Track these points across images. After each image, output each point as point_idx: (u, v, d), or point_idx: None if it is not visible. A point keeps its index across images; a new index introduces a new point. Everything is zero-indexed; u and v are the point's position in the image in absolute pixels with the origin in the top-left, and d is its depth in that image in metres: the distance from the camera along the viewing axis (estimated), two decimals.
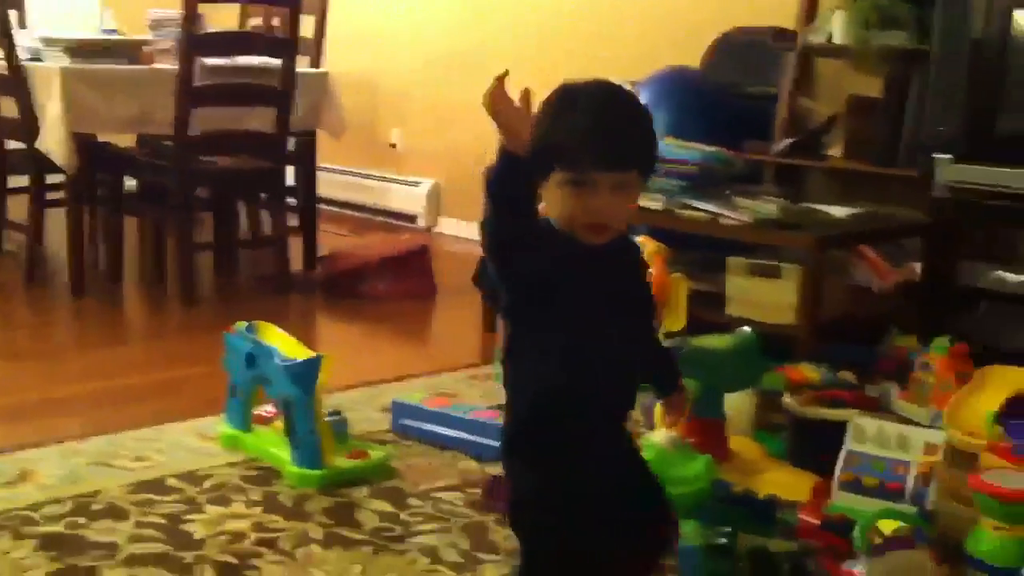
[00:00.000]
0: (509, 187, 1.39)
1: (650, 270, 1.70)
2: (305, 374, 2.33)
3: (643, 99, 3.69)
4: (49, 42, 3.92)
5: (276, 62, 3.98)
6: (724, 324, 2.90)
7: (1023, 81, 3.02)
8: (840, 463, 2.19)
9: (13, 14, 4.11)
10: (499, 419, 2.47)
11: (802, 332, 2.94)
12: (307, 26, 4.43)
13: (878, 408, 2.62)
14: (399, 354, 3.57)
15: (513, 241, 1.43)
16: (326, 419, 2.41)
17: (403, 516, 2.20)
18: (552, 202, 1.46)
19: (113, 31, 4.42)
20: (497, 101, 1.37)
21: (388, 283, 4.11)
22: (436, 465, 2.47)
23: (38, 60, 3.93)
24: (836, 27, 3.67)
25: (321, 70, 4.46)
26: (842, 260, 3.37)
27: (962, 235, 3.19)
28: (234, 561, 1.99)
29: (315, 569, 1.97)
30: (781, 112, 3.84)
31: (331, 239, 4.78)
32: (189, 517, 2.16)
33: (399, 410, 2.68)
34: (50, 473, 2.36)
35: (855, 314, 3.21)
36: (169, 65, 3.92)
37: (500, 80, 1.37)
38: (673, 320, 2.50)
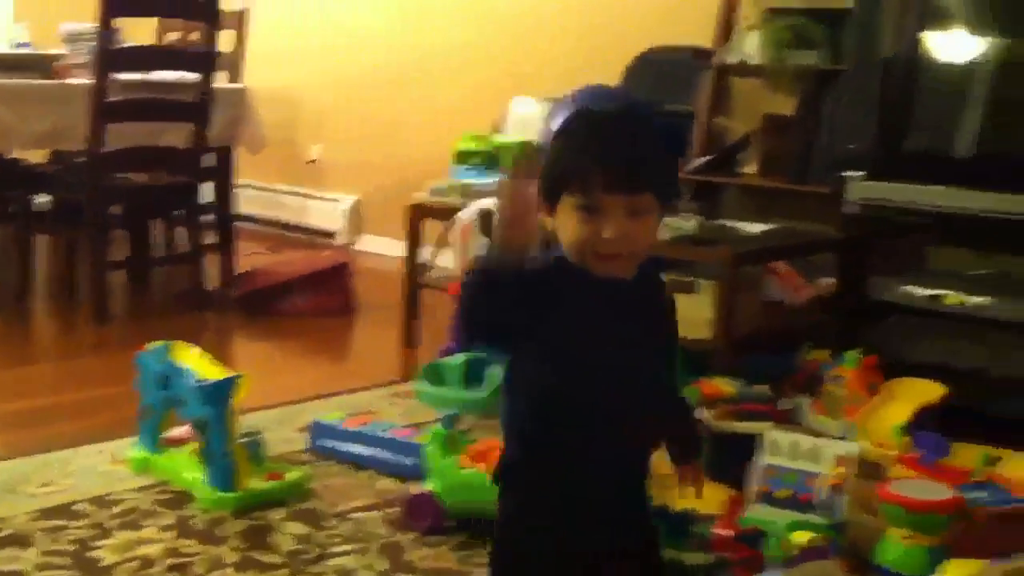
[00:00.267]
0: (501, 284, 1.28)
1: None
2: (219, 394, 2.30)
3: (563, 117, 3.77)
4: None
5: (194, 77, 3.94)
6: None
7: (931, 101, 3.11)
8: (753, 476, 2.22)
9: None
10: (417, 438, 2.48)
11: (718, 346, 2.98)
12: (227, 41, 4.39)
13: (791, 421, 2.67)
14: (318, 372, 3.53)
15: (498, 326, 1.31)
16: (241, 440, 2.37)
17: (320, 538, 2.17)
18: (563, 231, 1.34)
19: (26, 45, 4.33)
20: (517, 193, 1.27)
21: (307, 300, 4.07)
22: (354, 485, 2.45)
23: None
24: (752, 47, 3.75)
25: (240, 85, 4.41)
26: (757, 275, 3.41)
27: (872, 250, 3.26)
28: None
29: None
30: (698, 130, 3.90)
31: (250, 256, 4.72)
32: (98, 543, 2.11)
33: (317, 430, 2.65)
34: None
35: (769, 328, 3.26)
36: (84, 80, 3.85)
37: (528, 164, 1.30)
38: None
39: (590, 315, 1.34)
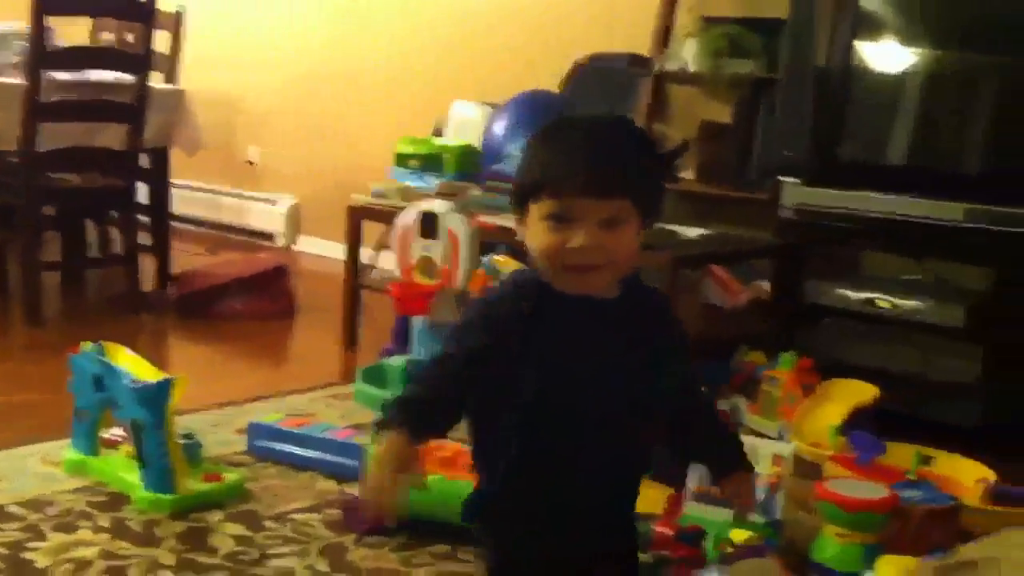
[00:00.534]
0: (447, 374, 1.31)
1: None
2: (155, 396, 2.26)
3: (502, 123, 3.80)
4: None
5: (129, 78, 3.89)
6: None
7: (864, 109, 3.17)
8: (692, 475, 2.24)
9: None
10: (356, 438, 2.47)
11: None
12: (164, 42, 4.34)
13: (728, 421, 2.70)
14: (256, 375, 3.50)
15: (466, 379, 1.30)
16: (178, 442, 2.35)
17: (259, 539, 2.15)
18: (534, 241, 1.28)
19: None
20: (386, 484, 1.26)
21: (245, 302, 4.03)
22: (293, 486, 2.43)
23: None
24: (689, 55, 3.80)
25: (176, 87, 4.36)
26: (695, 279, 3.46)
27: (807, 255, 3.32)
28: None
29: None
30: None
31: (186, 258, 4.66)
32: (32, 545, 2.07)
33: (255, 431, 2.63)
34: None
35: (707, 331, 3.30)
36: (16, 80, 3.78)
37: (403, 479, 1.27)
38: None
39: (569, 335, 1.28)
